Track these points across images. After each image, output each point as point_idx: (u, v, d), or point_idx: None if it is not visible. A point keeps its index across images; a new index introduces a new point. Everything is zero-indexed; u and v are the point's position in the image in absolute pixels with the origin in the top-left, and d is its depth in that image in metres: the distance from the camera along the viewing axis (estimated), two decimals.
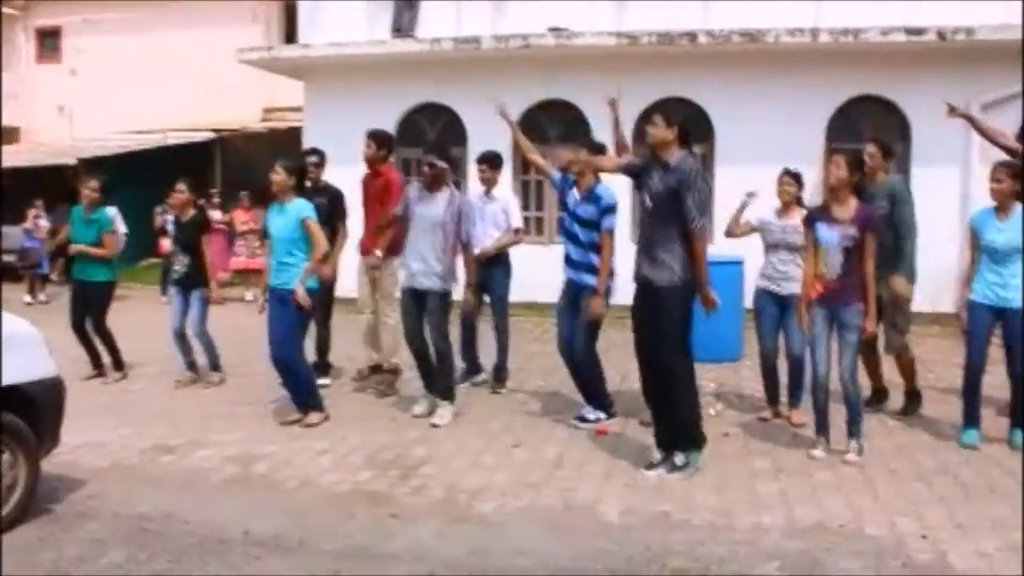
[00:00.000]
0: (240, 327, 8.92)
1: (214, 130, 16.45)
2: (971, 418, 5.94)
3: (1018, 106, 11.01)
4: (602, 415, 6.42)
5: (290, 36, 17.14)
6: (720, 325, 6.67)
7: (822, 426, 5.69)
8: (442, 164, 6.46)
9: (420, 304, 6.42)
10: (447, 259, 6.37)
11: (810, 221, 5.71)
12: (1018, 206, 5.71)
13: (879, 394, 6.82)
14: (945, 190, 11.00)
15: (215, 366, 7.79)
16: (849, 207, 5.55)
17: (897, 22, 10.79)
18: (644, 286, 5.33)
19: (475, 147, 12.21)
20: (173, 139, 16.33)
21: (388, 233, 6.83)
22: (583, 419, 6.38)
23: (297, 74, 13.05)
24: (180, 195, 7.71)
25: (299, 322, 6.40)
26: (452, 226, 6.33)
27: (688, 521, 4.62)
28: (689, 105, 11.65)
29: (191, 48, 17.03)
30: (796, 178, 6.44)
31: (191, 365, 7.75)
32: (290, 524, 4.55)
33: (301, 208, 6.37)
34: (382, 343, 7.37)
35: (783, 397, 6.58)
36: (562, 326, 6.52)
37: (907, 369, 6.62)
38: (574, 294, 6.40)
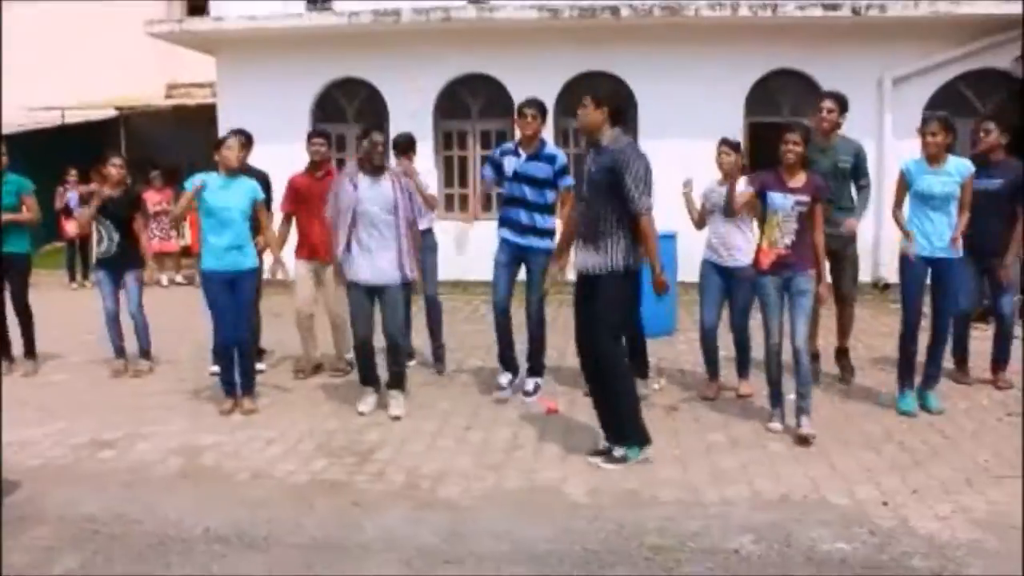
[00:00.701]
0: (157, 313, 8.42)
1: (116, 107, 15.65)
2: (907, 382, 6.11)
3: (927, 81, 11.41)
4: (539, 380, 6.48)
5: (193, 9, 16.47)
6: (653, 299, 6.69)
7: (777, 398, 5.75)
8: (382, 141, 6.22)
9: (373, 298, 6.08)
10: (407, 245, 6.06)
11: (762, 191, 5.74)
12: (951, 157, 5.89)
13: (813, 357, 6.93)
14: None
15: (146, 352, 7.45)
16: (801, 177, 5.63)
17: None
18: (584, 275, 5.12)
19: (396, 122, 11.98)
20: (72, 117, 15.50)
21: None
22: (526, 393, 6.40)
23: (208, 48, 12.50)
24: (118, 170, 7.27)
25: (252, 302, 6.18)
26: (404, 206, 6.01)
27: (656, 498, 4.61)
28: (611, 79, 11.67)
29: (89, 21, 16.11)
30: (734, 147, 6.43)
31: (121, 351, 7.38)
32: (251, 518, 4.37)
33: (254, 188, 6.19)
34: (336, 343, 7.20)
35: (722, 371, 6.66)
36: (500, 285, 6.37)
37: (848, 321, 6.80)
38: (515, 256, 6.35)
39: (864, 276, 10.64)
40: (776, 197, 5.64)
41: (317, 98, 12.30)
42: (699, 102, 11.27)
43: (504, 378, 6.48)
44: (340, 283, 6.19)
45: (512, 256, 6.37)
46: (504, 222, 6.39)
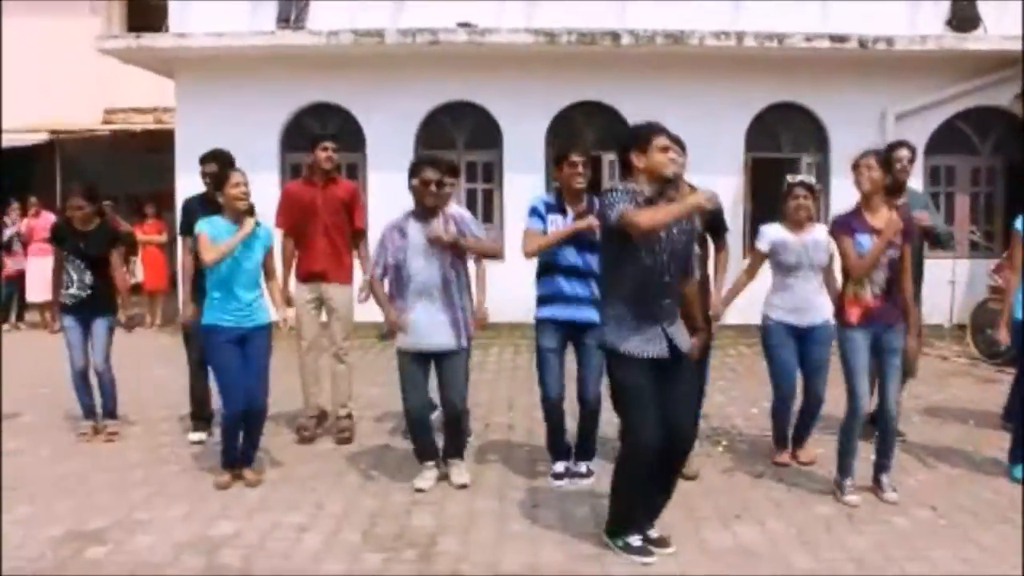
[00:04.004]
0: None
1: (51, 131, 14.31)
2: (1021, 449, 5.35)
3: (929, 117, 11.04)
4: (592, 465, 5.35)
5: (133, 28, 15.29)
6: None
7: (849, 467, 5.02)
8: (452, 180, 5.30)
9: (427, 366, 5.14)
10: (464, 302, 5.14)
11: (847, 231, 4.94)
12: None
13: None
14: None
15: (112, 412, 6.34)
16: (884, 214, 4.91)
17: (818, 29, 10.51)
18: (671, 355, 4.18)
19: (373, 152, 11.13)
20: (4, 141, 14.08)
21: (363, 253, 5.79)
22: (581, 476, 5.30)
23: (166, 69, 11.38)
24: (79, 211, 6.10)
25: (267, 363, 5.23)
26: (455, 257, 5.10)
27: None
28: (605, 109, 11.02)
29: (20, 42, 14.78)
30: (811, 190, 5.50)
31: (91, 411, 6.28)
32: None
33: (268, 233, 5.32)
34: (338, 386, 6.18)
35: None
36: (552, 377, 5.18)
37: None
38: (567, 337, 5.17)
39: None
40: (863, 240, 4.88)
41: (286, 124, 11.30)
42: (698, 135, 10.55)
43: (560, 465, 5.32)
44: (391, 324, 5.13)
45: (564, 338, 5.19)
46: (549, 300, 5.15)
